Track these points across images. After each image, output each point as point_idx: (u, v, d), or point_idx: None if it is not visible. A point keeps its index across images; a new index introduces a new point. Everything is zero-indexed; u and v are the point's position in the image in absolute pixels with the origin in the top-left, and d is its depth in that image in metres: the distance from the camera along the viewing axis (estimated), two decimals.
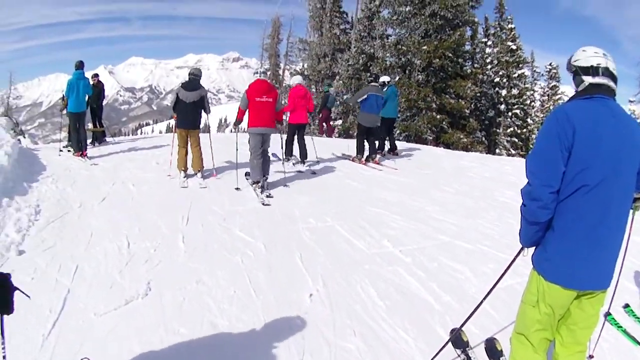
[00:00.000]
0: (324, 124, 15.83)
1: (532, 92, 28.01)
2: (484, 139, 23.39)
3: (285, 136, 8.98)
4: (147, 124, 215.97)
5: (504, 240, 5.38)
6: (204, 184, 7.25)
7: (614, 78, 2.17)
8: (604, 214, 2.08)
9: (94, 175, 7.60)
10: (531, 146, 19.98)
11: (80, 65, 8.91)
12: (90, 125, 10.68)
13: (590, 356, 2.98)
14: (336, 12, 27.75)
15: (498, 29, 25.91)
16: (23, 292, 1.91)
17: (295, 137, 9.18)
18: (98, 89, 10.85)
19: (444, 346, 2.89)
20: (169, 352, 3.06)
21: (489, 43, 25.40)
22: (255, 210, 6.17)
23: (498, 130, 24.29)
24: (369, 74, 21.58)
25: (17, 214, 5.22)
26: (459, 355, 3.13)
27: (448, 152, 13.68)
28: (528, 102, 25.95)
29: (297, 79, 9.55)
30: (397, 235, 5.48)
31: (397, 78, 21.18)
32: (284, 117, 8.12)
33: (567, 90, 28.45)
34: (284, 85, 28.47)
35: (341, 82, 24.01)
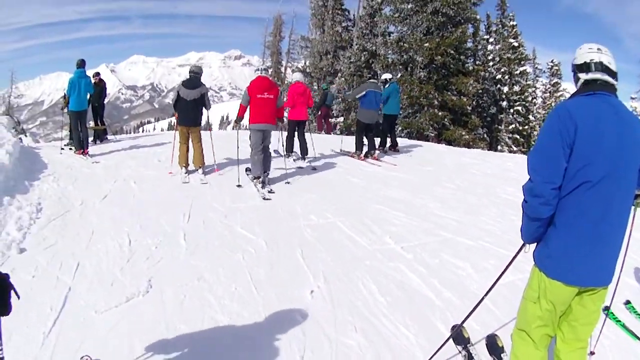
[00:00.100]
0: (322, 120, 16.05)
1: (533, 89, 28.02)
2: (485, 135, 23.37)
3: (285, 133, 9.03)
4: (149, 122, 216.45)
5: (505, 237, 5.36)
6: (205, 180, 7.30)
7: (609, 72, 2.15)
8: (605, 211, 2.07)
9: (96, 173, 7.61)
10: (533, 143, 19.97)
11: (81, 64, 8.92)
12: (92, 124, 10.70)
13: (592, 353, 2.97)
14: (338, 9, 27.72)
15: (500, 26, 25.88)
16: (16, 292, 1.90)
17: (296, 133, 9.23)
18: (100, 87, 10.88)
19: (445, 342, 2.88)
20: (170, 349, 3.06)
21: (491, 40, 25.37)
22: (256, 207, 6.17)
23: (500, 127, 24.26)
24: (370, 72, 21.57)
25: (18, 213, 5.23)
26: (460, 352, 3.12)
27: (450, 149, 13.65)
28: (530, 99, 25.92)
29: (297, 76, 9.64)
30: (398, 231, 5.47)
31: (399, 75, 21.19)
32: (284, 113, 8.16)
33: (569, 87, 28.38)
34: (285, 82, 28.45)
35: (343, 79, 23.99)
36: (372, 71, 21.74)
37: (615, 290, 3.04)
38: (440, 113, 20.48)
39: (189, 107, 7.43)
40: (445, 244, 5.16)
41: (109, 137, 11.51)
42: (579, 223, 2.10)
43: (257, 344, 3.19)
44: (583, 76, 2.19)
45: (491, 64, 24.70)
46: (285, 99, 8.61)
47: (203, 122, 8.09)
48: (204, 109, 7.73)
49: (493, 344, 3.15)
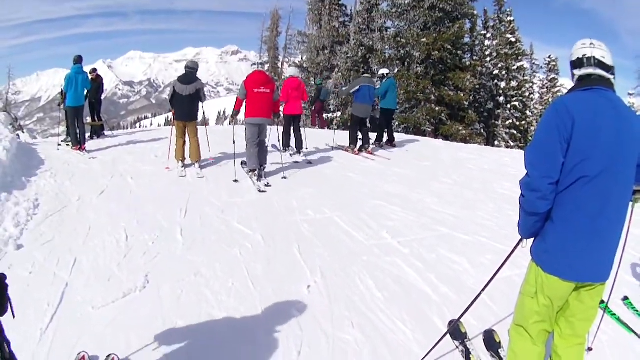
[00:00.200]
0: (317, 115, 16.16)
1: (531, 84, 27.97)
2: (482, 131, 23.38)
3: (282, 128, 9.13)
4: (146, 118, 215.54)
5: (502, 232, 5.36)
6: (201, 174, 7.37)
7: (603, 66, 2.15)
8: (603, 206, 2.06)
9: (93, 168, 7.59)
10: (530, 138, 19.97)
11: (78, 60, 8.90)
12: (89, 119, 10.68)
13: (589, 349, 2.98)
14: (335, 4, 27.67)
15: (497, 21, 25.79)
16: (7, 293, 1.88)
17: (291, 128, 9.32)
18: (97, 83, 10.85)
19: (442, 338, 2.88)
20: (167, 344, 3.06)
21: (488, 35, 25.29)
22: (253, 202, 6.17)
23: (497, 123, 24.24)
24: (367, 67, 21.54)
25: (15, 209, 5.22)
26: (457, 347, 3.12)
27: (447, 144, 13.63)
28: (527, 94, 25.87)
29: (291, 71, 9.80)
30: (395, 226, 5.47)
31: (396, 70, 21.14)
32: (280, 108, 8.22)
33: (566, 83, 28.39)
34: (282, 77, 28.39)
35: (340, 74, 23.96)
36: (370, 67, 21.71)
37: (612, 286, 3.04)
38: (437, 108, 20.48)
39: (185, 102, 7.47)
40: (442, 239, 5.16)
41: (106, 132, 11.48)
42: (576, 218, 2.09)
43: (254, 339, 3.19)
44: (577, 72, 2.19)
45: (488, 59, 24.63)
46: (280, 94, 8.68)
47: (200, 118, 8.11)
48: (200, 103, 7.74)
49: (490, 340, 3.16)
